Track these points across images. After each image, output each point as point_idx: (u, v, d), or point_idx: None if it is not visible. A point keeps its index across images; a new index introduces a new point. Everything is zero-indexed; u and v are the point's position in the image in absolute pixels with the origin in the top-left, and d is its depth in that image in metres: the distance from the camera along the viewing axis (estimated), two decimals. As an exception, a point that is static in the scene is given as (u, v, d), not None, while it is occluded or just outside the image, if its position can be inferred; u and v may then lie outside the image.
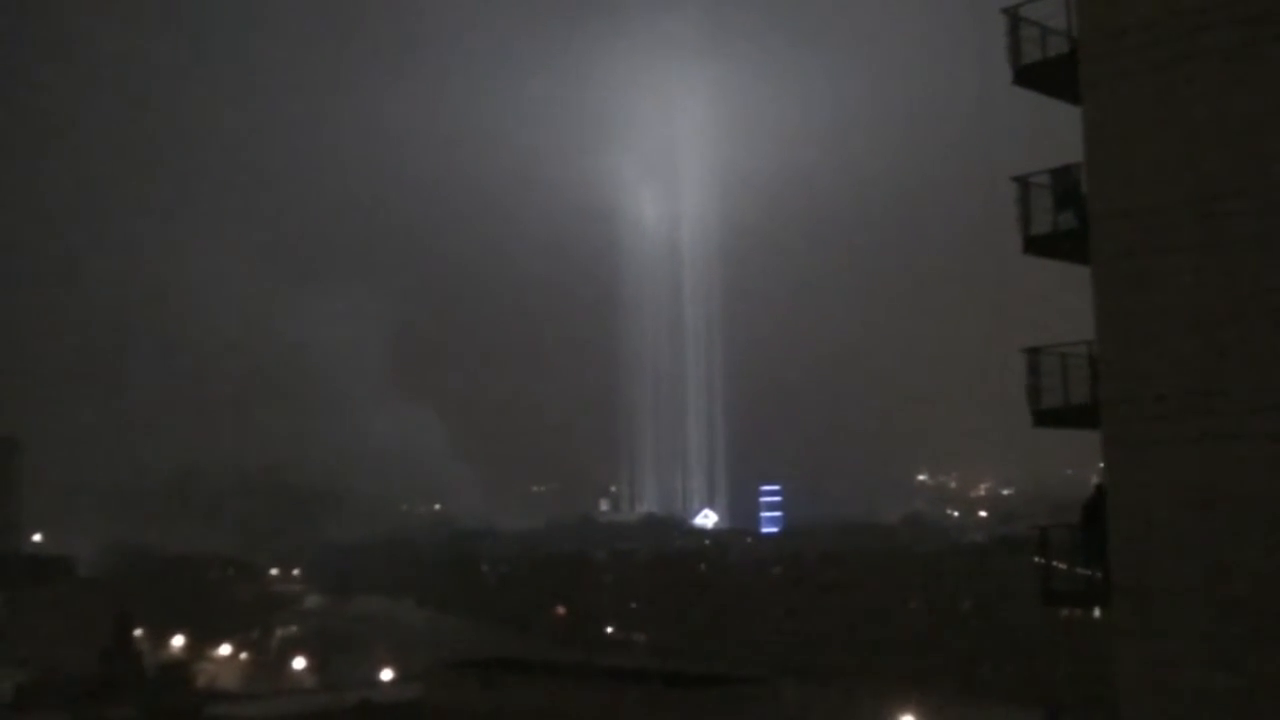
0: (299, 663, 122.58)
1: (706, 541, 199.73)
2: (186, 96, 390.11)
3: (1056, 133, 23.03)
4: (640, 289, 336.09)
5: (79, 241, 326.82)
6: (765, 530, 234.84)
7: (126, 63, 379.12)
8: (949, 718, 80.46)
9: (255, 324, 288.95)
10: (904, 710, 78.87)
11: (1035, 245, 22.19)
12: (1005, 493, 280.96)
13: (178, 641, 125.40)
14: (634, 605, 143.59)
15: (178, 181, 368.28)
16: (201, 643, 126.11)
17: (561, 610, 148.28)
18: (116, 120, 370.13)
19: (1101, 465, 20.63)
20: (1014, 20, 22.06)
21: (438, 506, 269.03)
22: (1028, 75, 22.13)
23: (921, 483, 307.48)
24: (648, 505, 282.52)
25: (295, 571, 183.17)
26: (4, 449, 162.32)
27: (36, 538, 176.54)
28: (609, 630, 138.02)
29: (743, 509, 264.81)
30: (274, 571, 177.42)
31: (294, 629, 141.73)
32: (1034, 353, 21.85)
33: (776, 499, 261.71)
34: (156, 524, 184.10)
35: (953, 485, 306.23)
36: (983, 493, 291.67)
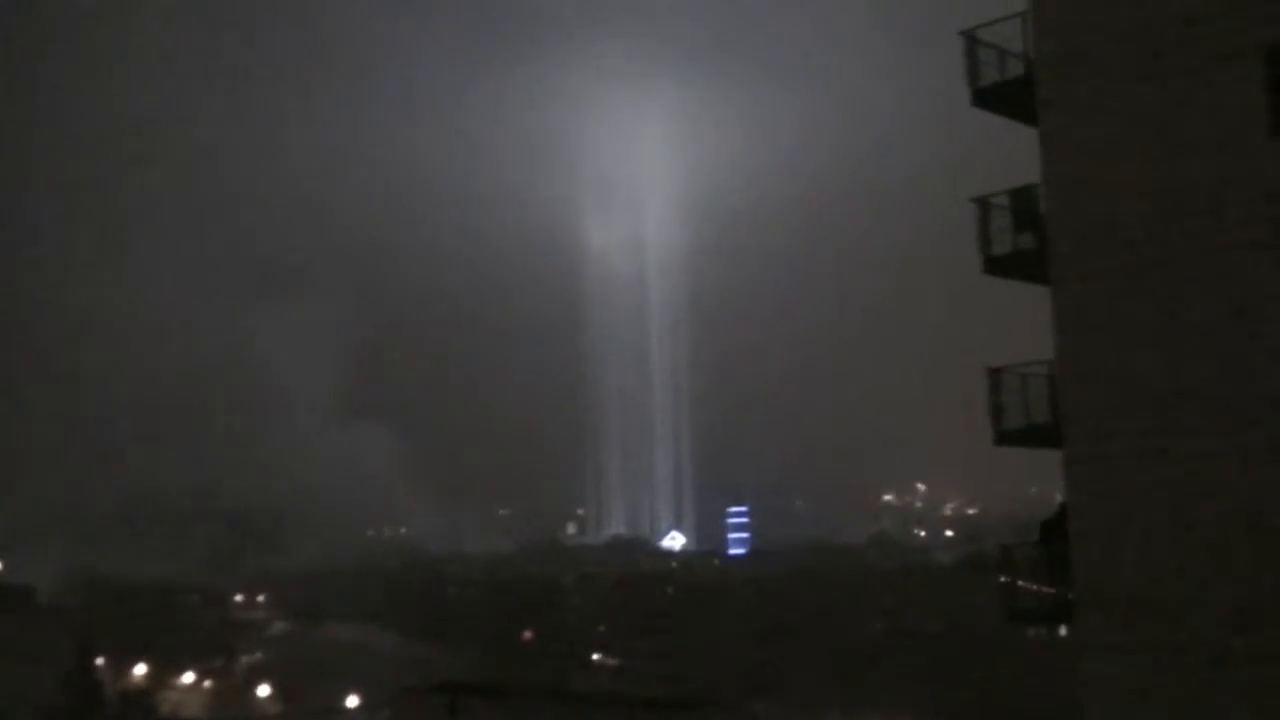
0: (264, 690, 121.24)
1: (674, 564, 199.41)
2: (145, 102, 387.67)
3: (1016, 154, 23.28)
4: (605, 312, 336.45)
5: (29, 256, 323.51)
6: (733, 552, 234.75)
7: (92, 65, 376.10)
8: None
9: (211, 344, 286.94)
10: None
11: (995, 266, 22.41)
12: (971, 512, 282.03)
13: (140, 670, 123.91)
14: (602, 628, 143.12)
15: (131, 195, 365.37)
16: (164, 670, 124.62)
17: (529, 634, 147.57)
18: (77, 125, 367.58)
19: (1063, 484, 20.80)
20: (971, 42, 22.29)
21: (403, 530, 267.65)
22: (986, 97, 22.36)
23: (887, 503, 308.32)
24: (615, 528, 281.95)
25: (260, 598, 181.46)
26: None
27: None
28: (577, 653, 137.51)
29: (710, 531, 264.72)
30: (238, 598, 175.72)
31: (259, 655, 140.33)
32: (996, 373, 22.02)
33: (744, 520, 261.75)
34: (118, 550, 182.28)
35: (919, 505, 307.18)
36: (949, 513, 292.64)
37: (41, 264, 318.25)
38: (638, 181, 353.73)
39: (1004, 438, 22.01)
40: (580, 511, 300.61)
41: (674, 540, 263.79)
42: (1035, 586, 22.59)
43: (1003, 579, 23.28)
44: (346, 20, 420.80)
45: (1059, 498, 22.52)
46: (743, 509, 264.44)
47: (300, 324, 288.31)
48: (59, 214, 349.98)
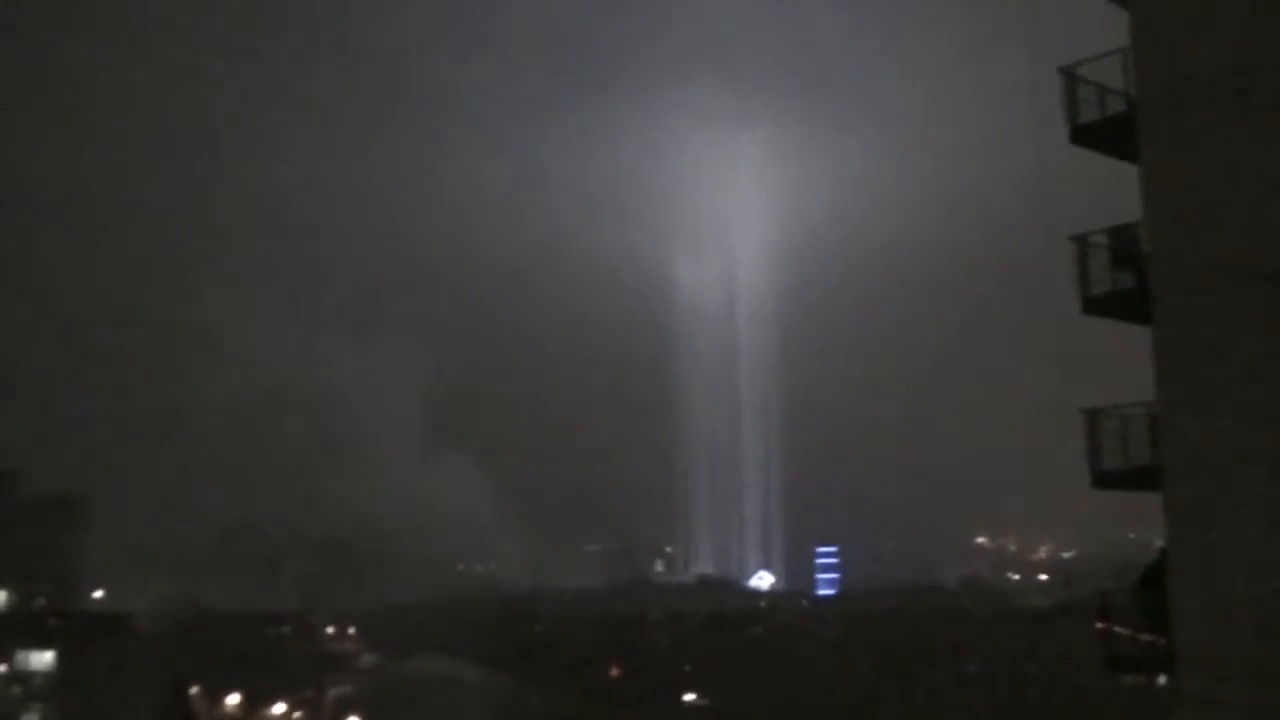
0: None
1: (762, 604, 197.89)
2: (234, 142, 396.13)
3: (1116, 192, 22.89)
4: (696, 351, 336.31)
5: (128, 292, 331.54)
6: (821, 592, 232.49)
7: (170, 112, 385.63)
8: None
9: (303, 378, 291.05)
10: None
11: (1094, 305, 22.00)
12: (1066, 556, 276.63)
13: (233, 700, 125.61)
14: (688, 667, 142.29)
15: (223, 232, 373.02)
16: (256, 701, 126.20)
17: (616, 671, 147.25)
18: (164, 169, 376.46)
19: (1164, 529, 20.28)
20: (1070, 79, 22.00)
21: (493, 566, 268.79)
22: (1085, 134, 22.04)
23: (980, 545, 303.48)
24: (703, 566, 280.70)
25: (350, 630, 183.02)
26: (63, 506, 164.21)
27: (98, 594, 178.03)
28: (665, 691, 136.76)
29: (799, 571, 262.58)
30: (330, 630, 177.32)
31: (349, 688, 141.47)
32: (1094, 414, 21.58)
33: (833, 560, 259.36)
34: (213, 581, 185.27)
35: (1012, 548, 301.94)
36: (1043, 556, 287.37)
37: (131, 298, 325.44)
38: (729, 223, 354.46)
39: (1101, 480, 21.53)
40: (669, 549, 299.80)
41: (762, 580, 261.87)
42: (1133, 634, 22.02)
43: (1100, 624, 22.74)
44: (431, 63, 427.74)
45: (1159, 543, 22.00)
46: (832, 549, 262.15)
47: (391, 359, 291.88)
48: (148, 252, 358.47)
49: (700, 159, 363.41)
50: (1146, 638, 21.47)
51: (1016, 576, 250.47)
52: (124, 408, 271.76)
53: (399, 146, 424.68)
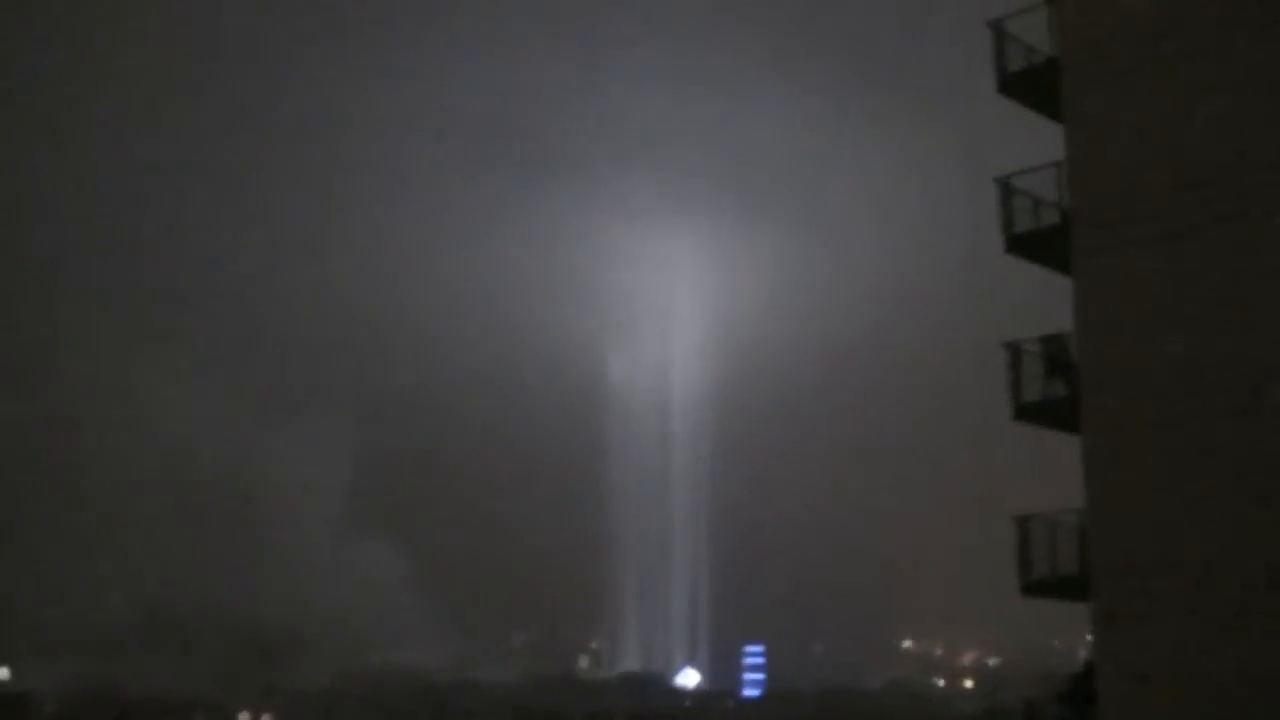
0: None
1: (687, 703, 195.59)
2: (164, 206, 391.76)
3: (1047, 302, 23.20)
4: (627, 443, 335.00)
5: (32, 362, 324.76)
6: (747, 693, 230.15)
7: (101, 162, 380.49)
8: None
9: (218, 455, 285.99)
10: None
11: (1026, 413, 22.16)
12: (991, 662, 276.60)
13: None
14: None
15: (132, 299, 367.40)
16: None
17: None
18: (94, 228, 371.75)
19: (1089, 638, 20.24)
20: (1006, 190, 22.38)
21: (413, 654, 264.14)
22: (1020, 244, 22.37)
23: (906, 649, 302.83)
24: (628, 662, 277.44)
25: (265, 717, 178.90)
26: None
27: (3, 673, 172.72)
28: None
29: (725, 669, 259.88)
30: (244, 716, 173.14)
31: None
32: (1024, 521, 21.62)
33: (759, 660, 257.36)
34: (124, 662, 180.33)
35: (938, 653, 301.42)
36: (968, 662, 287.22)
37: (45, 376, 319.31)
38: (663, 314, 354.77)
39: (1030, 589, 21.53)
40: (593, 645, 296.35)
41: (687, 678, 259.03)
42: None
43: (1025, 734, 22.63)
44: (366, 138, 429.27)
45: (1083, 653, 21.93)
46: (758, 648, 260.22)
47: (315, 436, 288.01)
48: (68, 315, 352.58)
49: (635, 250, 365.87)
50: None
51: (942, 682, 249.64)
52: (30, 474, 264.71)
53: (328, 228, 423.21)
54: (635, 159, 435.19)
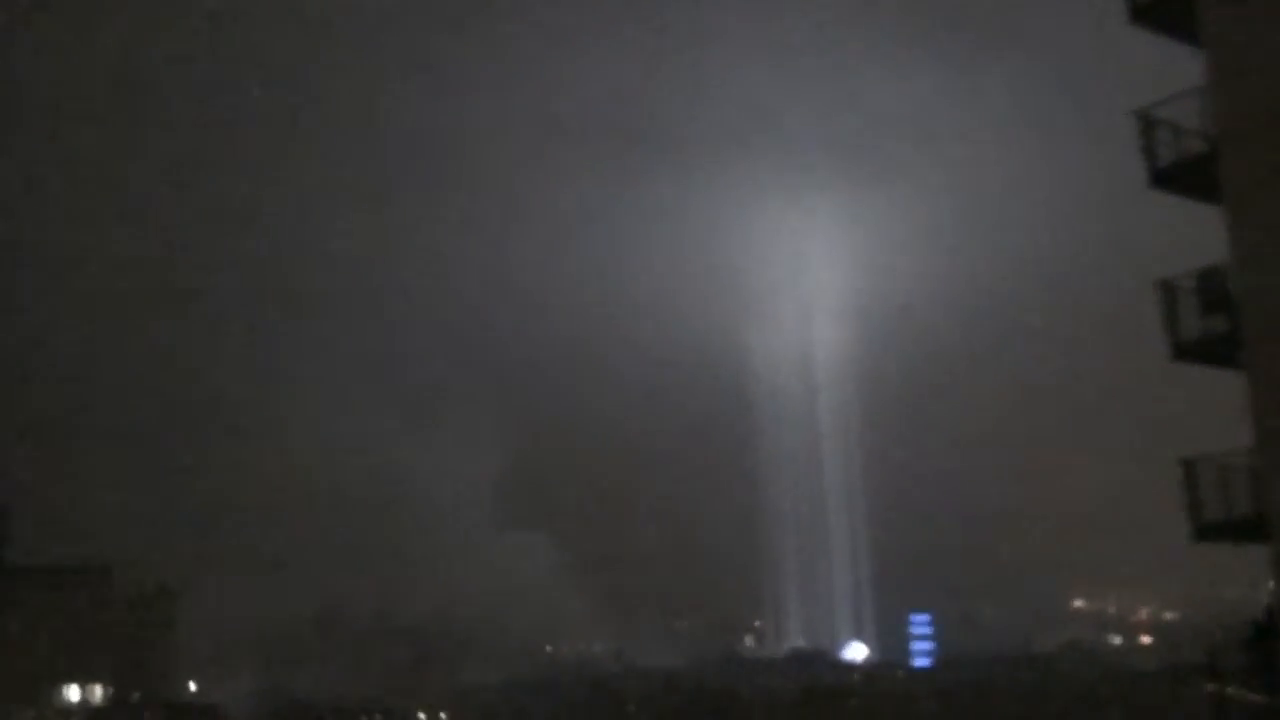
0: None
1: (856, 676, 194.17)
2: (287, 218, 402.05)
3: (1200, 233, 22.22)
4: (777, 420, 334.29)
5: (182, 380, 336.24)
6: (917, 663, 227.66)
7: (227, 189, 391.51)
8: None
9: (374, 459, 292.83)
10: None
11: (1184, 351, 21.28)
12: (1168, 617, 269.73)
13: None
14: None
15: (276, 309, 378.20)
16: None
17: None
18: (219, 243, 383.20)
19: (1272, 583, 19.38)
20: (1146, 122, 21.50)
21: (581, 645, 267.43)
22: (1164, 177, 21.48)
23: (1078, 609, 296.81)
24: (794, 639, 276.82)
25: (441, 715, 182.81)
26: (164, 599, 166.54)
27: (192, 685, 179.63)
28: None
29: (893, 641, 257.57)
30: (421, 716, 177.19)
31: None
32: (1190, 464, 20.76)
33: (927, 630, 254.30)
34: (301, 670, 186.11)
35: (1111, 610, 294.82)
36: (1144, 617, 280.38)
37: (204, 394, 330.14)
38: (801, 290, 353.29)
39: (1203, 533, 20.66)
40: (758, 624, 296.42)
41: (855, 651, 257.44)
42: (1246, 694, 21.02)
43: (1210, 686, 21.76)
44: (493, 144, 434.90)
45: (1266, 600, 21.08)
46: (925, 617, 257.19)
47: (465, 439, 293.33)
48: (212, 340, 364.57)
49: (764, 228, 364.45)
50: (1260, 697, 20.47)
51: (1118, 639, 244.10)
52: (201, 497, 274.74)
53: (460, 224, 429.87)
54: (750, 140, 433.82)
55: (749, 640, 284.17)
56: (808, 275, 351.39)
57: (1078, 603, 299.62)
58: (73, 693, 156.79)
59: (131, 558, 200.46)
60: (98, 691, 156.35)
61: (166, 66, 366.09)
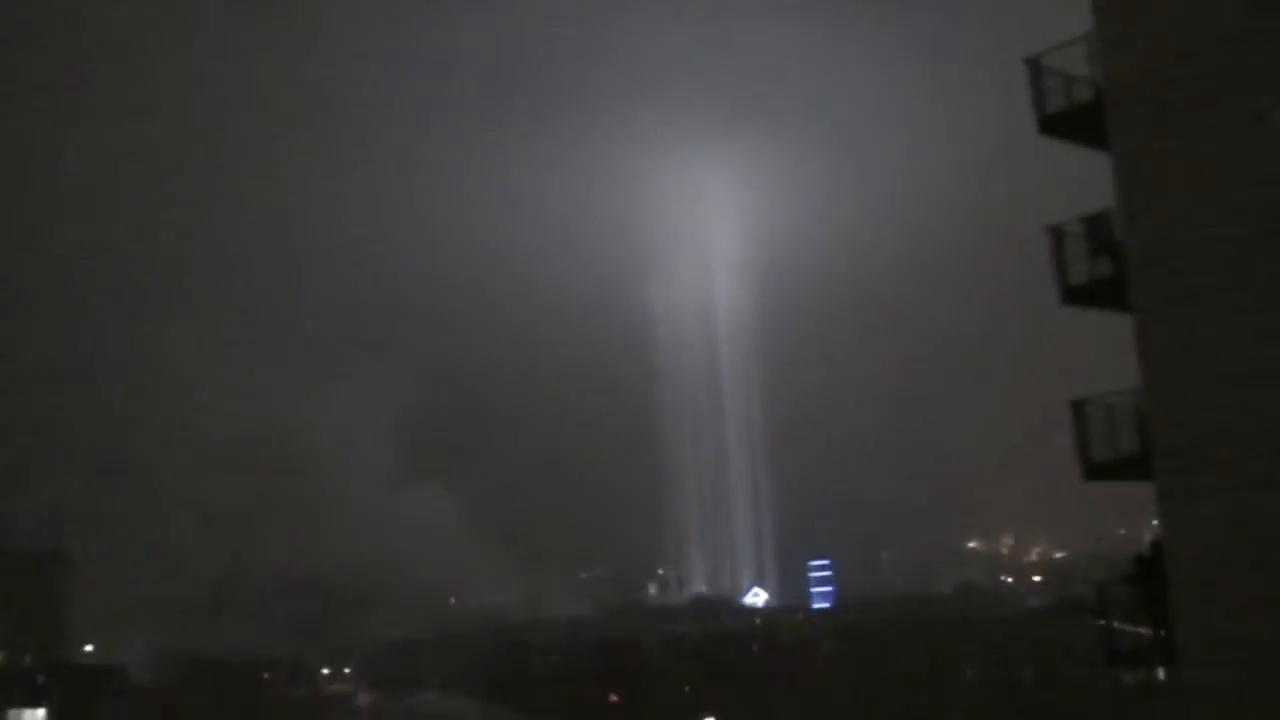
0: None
1: (758, 620, 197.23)
2: (191, 166, 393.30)
3: (1087, 180, 22.69)
4: (677, 371, 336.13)
5: (86, 342, 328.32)
6: (817, 606, 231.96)
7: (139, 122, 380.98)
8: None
9: (271, 413, 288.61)
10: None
11: (1073, 296, 21.76)
12: (1059, 556, 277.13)
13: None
14: (688, 688, 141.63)
15: (176, 267, 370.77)
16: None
17: (615, 697, 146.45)
18: (121, 191, 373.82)
19: (1155, 521, 20.00)
20: (1035, 69, 21.83)
21: (484, 597, 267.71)
22: (1053, 124, 21.85)
23: (973, 550, 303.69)
24: (696, 586, 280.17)
25: (346, 670, 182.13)
26: (54, 562, 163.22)
27: (88, 648, 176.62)
28: (664, 715, 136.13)
29: (793, 585, 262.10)
30: (325, 672, 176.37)
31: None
32: (1079, 405, 21.30)
33: (827, 574, 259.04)
34: (204, 628, 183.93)
35: (1005, 551, 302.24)
36: (1035, 557, 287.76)
37: (104, 351, 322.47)
38: (700, 243, 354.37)
39: (1092, 471, 21.23)
40: (660, 571, 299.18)
41: (756, 597, 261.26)
42: (1132, 628, 21.72)
43: (1099, 620, 22.46)
44: (387, 95, 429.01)
45: (1149, 537, 21.75)
46: (825, 562, 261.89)
47: (364, 392, 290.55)
48: (109, 280, 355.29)
49: (661, 182, 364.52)
50: (1145, 630, 21.18)
51: (1011, 579, 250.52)
52: (91, 454, 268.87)
53: (354, 173, 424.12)
54: (640, 97, 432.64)
55: (652, 589, 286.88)
56: (705, 228, 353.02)
57: (972, 544, 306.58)
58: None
59: (20, 518, 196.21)
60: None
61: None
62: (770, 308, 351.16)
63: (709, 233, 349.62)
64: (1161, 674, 78.91)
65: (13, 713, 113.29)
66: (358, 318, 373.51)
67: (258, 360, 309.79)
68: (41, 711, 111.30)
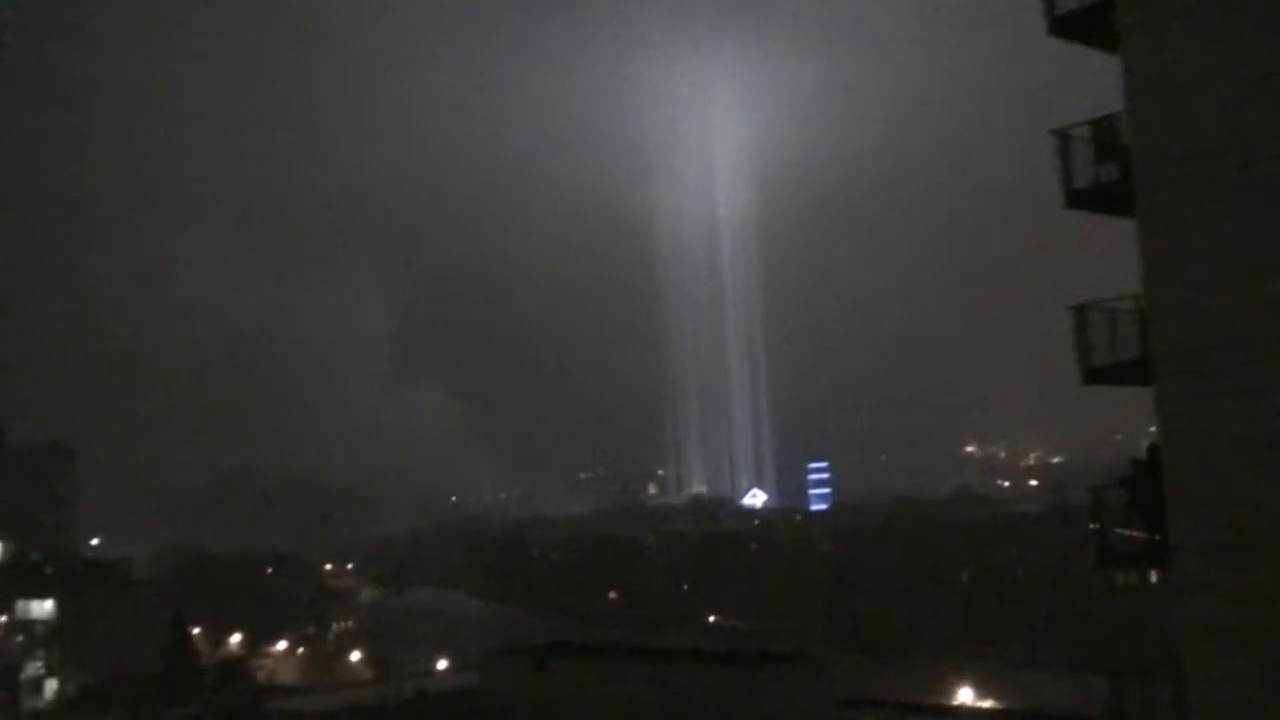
0: (356, 655, 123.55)
1: (756, 521, 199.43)
2: (189, 84, 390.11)
3: (1095, 83, 22.50)
4: (679, 274, 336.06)
5: (85, 242, 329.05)
6: (814, 508, 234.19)
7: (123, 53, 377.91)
8: (1008, 688, 79.73)
9: (272, 315, 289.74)
10: (962, 682, 78.30)
11: (1078, 199, 21.64)
12: (1055, 461, 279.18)
13: (236, 639, 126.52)
14: (685, 587, 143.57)
15: (177, 176, 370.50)
16: (259, 639, 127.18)
17: (614, 595, 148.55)
18: (118, 115, 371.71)
19: (1153, 427, 20.12)
20: (1046, -31, 21.53)
21: (485, 496, 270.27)
22: (1063, 25, 21.58)
23: (970, 454, 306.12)
24: (696, 487, 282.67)
25: (349, 566, 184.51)
26: (59, 455, 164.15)
27: (94, 542, 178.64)
28: (663, 613, 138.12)
29: (791, 487, 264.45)
30: (328, 567, 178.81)
31: (349, 623, 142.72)
32: (1080, 310, 21.30)
33: (824, 476, 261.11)
34: (209, 524, 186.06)
35: (1002, 455, 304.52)
36: (1032, 462, 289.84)
37: (101, 244, 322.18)
38: (704, 144, 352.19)
39: (1091, 376, 21.28)
40: (660, 472, 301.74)
41: (755, 498, 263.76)
42: (1127, 530, 21.95)
43: (1093, 524, 22.68)
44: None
45: (1145, 443, 21.89)
46: (823, 465, 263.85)
47: (364, 292, 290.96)
48: (104, 186, 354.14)
49: (662, 85, 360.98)
50: (1139, 533, 21.41)
51: (1007, 484, 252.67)
52: (95, 356, 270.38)
53: (357, 80, 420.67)
54: (637, 3, 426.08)
55: (652, 489, 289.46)
56: (707, 130, 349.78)
57: (969, 449, 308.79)
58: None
59: (24, 415, 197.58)
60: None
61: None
62: (772, 211, 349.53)
63: (711, 135, 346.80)
64: (1154, 577, 79.98)
65: (20, 604, 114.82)
66: (357, 216, 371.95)
67: (262, 264, 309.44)
68: (49, 603, 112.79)
